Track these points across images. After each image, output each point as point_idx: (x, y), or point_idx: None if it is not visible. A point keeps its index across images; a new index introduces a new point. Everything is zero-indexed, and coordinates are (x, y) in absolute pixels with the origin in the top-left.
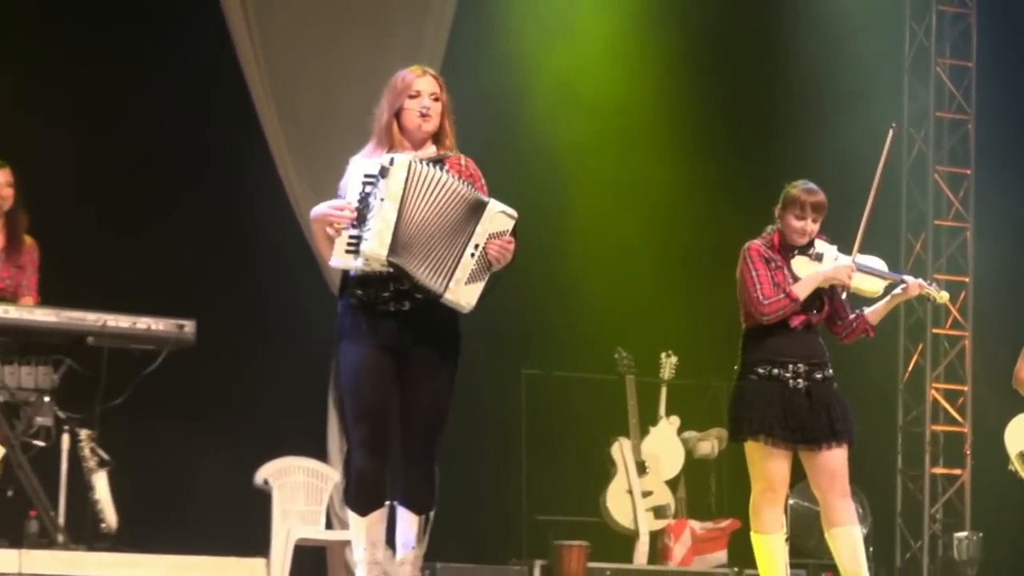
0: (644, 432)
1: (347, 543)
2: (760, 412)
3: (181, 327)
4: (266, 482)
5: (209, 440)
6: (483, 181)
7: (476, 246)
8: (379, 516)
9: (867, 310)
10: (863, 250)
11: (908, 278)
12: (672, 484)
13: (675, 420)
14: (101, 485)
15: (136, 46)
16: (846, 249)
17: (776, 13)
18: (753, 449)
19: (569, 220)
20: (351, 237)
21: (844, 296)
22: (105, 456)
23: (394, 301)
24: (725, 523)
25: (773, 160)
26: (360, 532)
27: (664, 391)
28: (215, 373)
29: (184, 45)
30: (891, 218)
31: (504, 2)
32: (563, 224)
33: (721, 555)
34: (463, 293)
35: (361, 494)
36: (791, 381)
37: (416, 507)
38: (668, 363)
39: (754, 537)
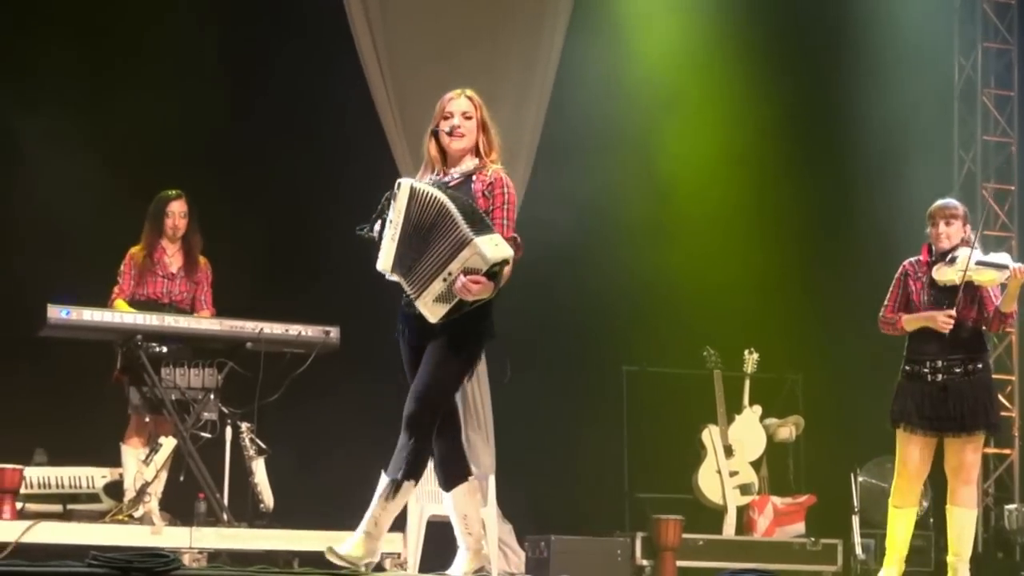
0: (730, 420)
1: None
2: (901, 404)
3: (327, 333)
4: None
5: (350, 430)
6: (504, 190)
7: (449, 273)
8: (464, 490)
9: (997, 301)
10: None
11: (1015, 265)
12: (755, 465)
13: (757, 409)
14: (259, 470)
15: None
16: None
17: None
18: (897, 435)
19: (665, 231)
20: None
21: (993, 291)
22: (263, 445)
23: (412, 304)
24: (803, 498)
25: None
26: (449, 508)
27: (747, 383)
28: (354, 373)
29: (320, 84)
30: None
31: (615, 22)
32: (659, 235)
33: (799, 527)
34: (429, 307)
35: (437, 474)
36: (929, 376)
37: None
38: (751, 359)
39: (889, 509)
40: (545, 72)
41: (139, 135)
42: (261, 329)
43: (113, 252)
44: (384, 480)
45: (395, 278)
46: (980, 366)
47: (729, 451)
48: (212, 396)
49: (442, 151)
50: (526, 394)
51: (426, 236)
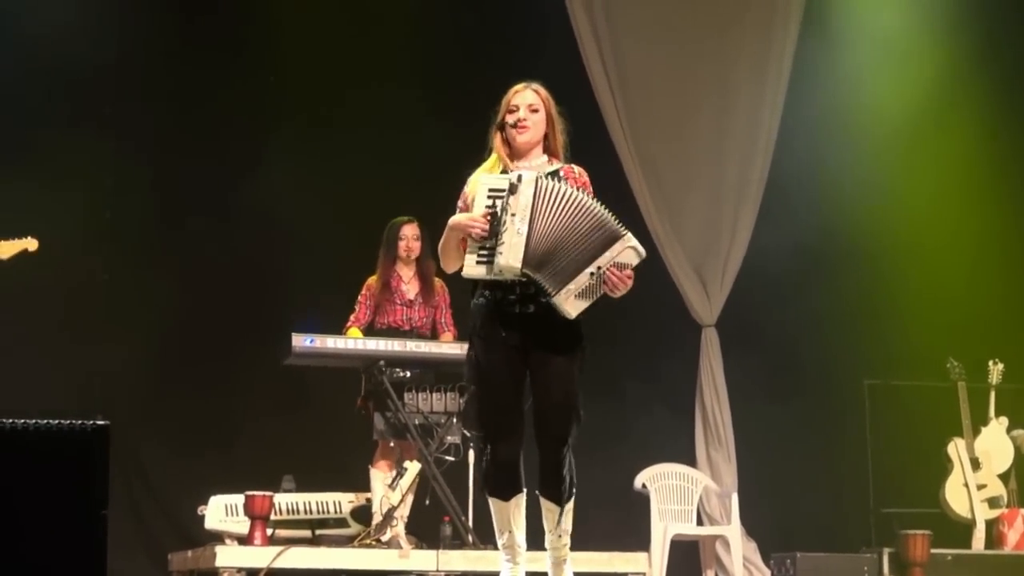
0: (976, 432)
1: (718, 537)
2: None
3: None
4: (644, 486)
5: (591, 454)
6: (591, 188)
7: (598, 268)
8: (518, 501)
9: None
10: None
11: None
12: (1003, 477)
13: (1004, 420)
14: None
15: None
16: None
17: None
18: None
19: (905, 244)
20: (482, 249)
21: None
22: None
23: (520, 303)
24: None
25: None
26: (503, 517)
27: (993, 395)
28: (593, 396)
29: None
30: None
31: (843, 35)
32: (899, 247)
33: None
34: (569, 303)
35: (500, 481)
36: None
37: (551, 496)
38: (995, 369)
39: None
40: (777, 82)
41: (375, 165)
42: None
43: (350, 281)
44: (551, 507)
45: (518, 276)
46: None
47: (976, 464)
48: (455, 420)
49: (508, 146)
50: (767, 411)
51: (564, 230)
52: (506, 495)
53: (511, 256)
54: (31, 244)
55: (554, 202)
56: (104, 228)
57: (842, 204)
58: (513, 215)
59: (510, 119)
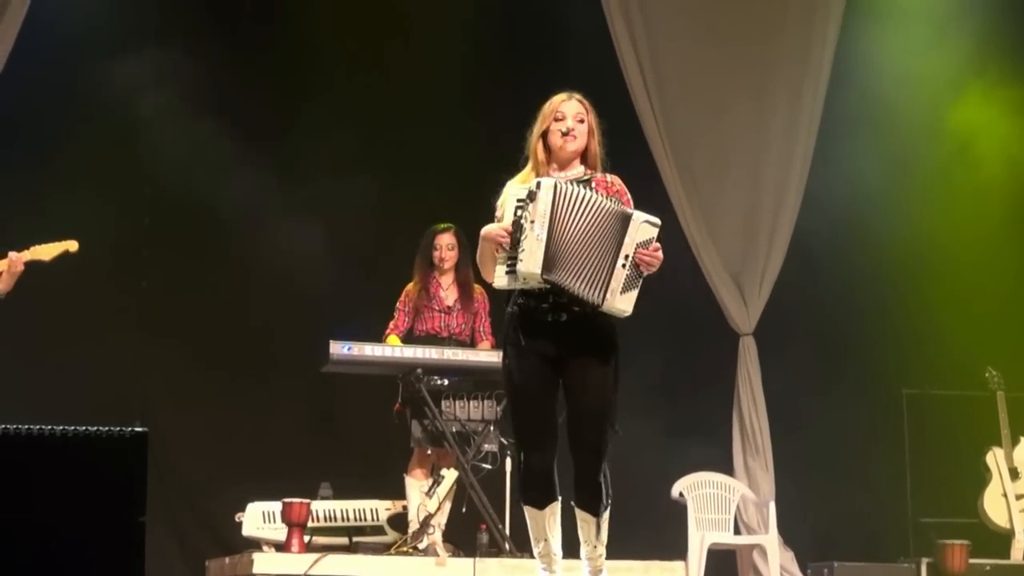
0: (1015, 441)
1: (755, 547)
2: None
3: None
4: (681, 495)
5: (628, 462)
6: (629, 196)
7: (627, 256)
8: (553, 509)
9: None
10: None
11: None
12: None
13: None
14: None
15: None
16: None
17: None
18: None
19: (944, 252)
20: (509, 259)
21: None
22: None
23: (552, 312)
24: None
25: None
26: (539, 525)
27: None
28: (630, 404)
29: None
30: None
31: (883, 39)
32: (938, 255)
33: None
34: (619, 301)
35: (534, 490)
36: None
37: (586, 507)
38: None
39: None
40: (816, 88)
41: (415, 172)
42: None
43: (389, 288)
44: (587, 518)
45: (541, 283)
46: None
47: (1015, 474)
48: (492, 428)
49: (548, 154)
50: (805, 420)
51: (582, 234)
52: (541, 504)
53: (531, 262)
54: (72, 245)
55: (573, 206)
56: (142, 235)
57: (880, 212)
58: (532, 222)
59: (558, 127)
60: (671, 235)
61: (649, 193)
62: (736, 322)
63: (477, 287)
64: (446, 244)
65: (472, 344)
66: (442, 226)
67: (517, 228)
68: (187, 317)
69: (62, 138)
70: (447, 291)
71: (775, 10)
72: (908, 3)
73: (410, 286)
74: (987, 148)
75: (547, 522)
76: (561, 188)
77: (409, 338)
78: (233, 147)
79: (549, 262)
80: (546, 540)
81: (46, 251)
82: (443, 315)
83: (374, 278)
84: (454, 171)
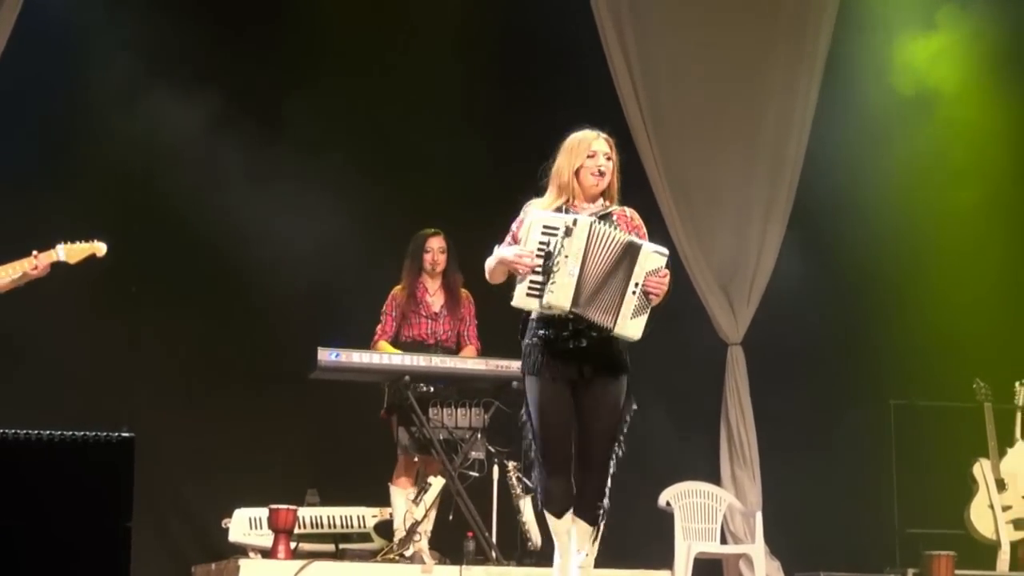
0: (1002, 453)
1: (741, 556)
2: None
3: None
4: (668, 504)
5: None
6: (645, 231)
7: (636, 284)
8: (571, 516)
9: None
10: None
11: None
12: None
13: None
14: (527, 509)
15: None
16: None
17: None
18: None
19: (931, 264)
20: (532, 283)
21: None
22: (530, 484)
23: (573, 339)
24: None
25: None
26: (562, 530)
27: (1020, 416)
28: None
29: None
30: None
31: (871, 61)
32: (925, 267)
33: None
34: (629, 327)
35: (554, 502)
36: None
37: (587, 518)
38: (1022, 391)
39: None
40: (806, 102)
41: (404, 181)
42: None
43: (376, 294)
44: (584, 528)
45: (566, 314)
46: None
47: (1002, 485)
48: (479, 435)
49: (577, 187)
50: (792, 429)
51: (604, 268)
52: (561, 513)
53: (562, 296)
54: (99, 249)
55: (603, 245)
56: (132, 240)
57: (869, 223)
58: (567, 257)
59: (592, 165)
60: (660, 244)
61: (638, 203)
62: (725, 332)
63: (464, 292)
64: (438, 247)
65: (458, 349)
66: (431, 230)
67: (548, 258)
68: (175, 322)
69: (50, 140)
70: (434, 296)
71: (766, 30)
72: (896, 15)
73: (397, 289)
74: (973, 163)
75: (567, 526)
76: (595, 229)
77: (395, 344)
78: (225, 152)
79: (577, 297)
80: (567, 532)
81: (73, 253)
82: (430, 321)
83: (364, 285)
84: (444, 178)
